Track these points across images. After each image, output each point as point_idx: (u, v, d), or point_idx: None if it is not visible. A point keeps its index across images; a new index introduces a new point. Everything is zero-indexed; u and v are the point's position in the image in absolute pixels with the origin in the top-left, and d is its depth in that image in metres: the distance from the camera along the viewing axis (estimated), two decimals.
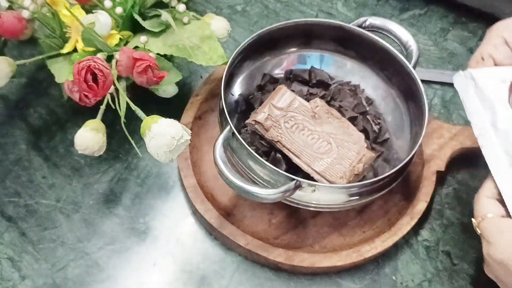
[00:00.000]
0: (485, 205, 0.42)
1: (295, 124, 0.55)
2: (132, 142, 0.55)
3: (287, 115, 0.55)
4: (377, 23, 0.61)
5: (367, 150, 0.55)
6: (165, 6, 0.63)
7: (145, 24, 0.60)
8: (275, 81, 0.63)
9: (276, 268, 0.56)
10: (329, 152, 0.54)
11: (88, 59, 0.53)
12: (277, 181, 0.50)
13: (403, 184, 0.60)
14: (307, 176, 0.53)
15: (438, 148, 0.62)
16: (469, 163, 0.65)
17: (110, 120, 0.60)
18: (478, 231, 0.41)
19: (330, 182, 0.52)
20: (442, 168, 0.61)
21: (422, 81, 0.57)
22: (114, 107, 0.56)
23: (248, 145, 0.52)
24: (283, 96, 0.56)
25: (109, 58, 0.57)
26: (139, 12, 0.62)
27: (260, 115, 0.55)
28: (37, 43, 0.62)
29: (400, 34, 0.60)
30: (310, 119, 0.55)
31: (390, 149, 0.60)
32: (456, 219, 0.61)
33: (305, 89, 0.61)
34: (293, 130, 0.54)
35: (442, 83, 0.72)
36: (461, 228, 0.60)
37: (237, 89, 0.63)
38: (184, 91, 0.67)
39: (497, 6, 0.75)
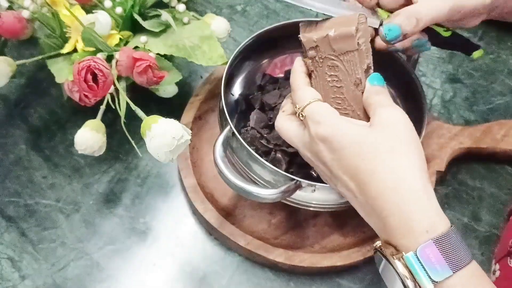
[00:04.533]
0: (306, 93, 0.46)
1: (335, 80, 0.46)
2: (132, 142, 0.55)
3: (334, 61, 0.46)
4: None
5: None
6: (165, 6, 0.63)
7: (145, 24, 0.60)
8: (275, 81, 0.63)
9: (276, 268, 0.56)
10: None
11: (88, 59, 0.53)
12: (277, 181, 0.50)
13: None
14: (307, 176, 0.53)
15: (438, 148, 0.62)
16: (469, 163, 0.65)
17: (110, 120, 0.60)
18: (303, 115, 0.45)
19: None
20: (442, 168, 0.61)
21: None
22: (114, 107, 0.56)
23: (248, 145, 0.52)
24: (346, 40, 0.45)
25: (109, 58, 0.57)
26: (139, 12, 0.62)
27: (311, 35, 0.46)
28: (37, 43, 0.62)
29: None
30: (351, 84, 0.46)
31: None
32: (456, 219, 0.61)
33: None
34: (329, 84, 0.46)
35: (443, 83, 0.72)
36: (461, 228, 0.60)
37: (237, 89, 0.63)
38: (184, 91, 0.67)
39: None
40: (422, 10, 0.45)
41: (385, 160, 0.41)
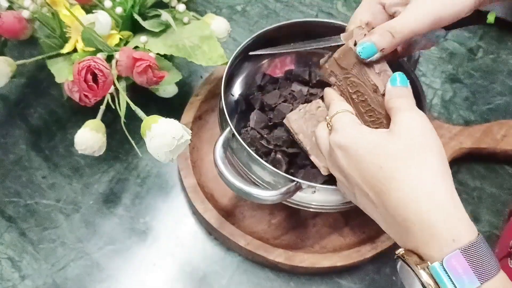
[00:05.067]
0: (337, 105, 0.47)
1: (359, 95, 0.47)
2: (132, 142, 0.55)
3: (349, 78, 0.47)
4: None
5: None
6: (165, 6, 0.63)
7: (145, 24, 0.60)
8: (275, 81, 0.63)
9: (276, 268, 0.56)
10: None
11: (88, 59, 0.53)
12: (277, 182, 0.50)
13: None
14: (307, 177, 0.53)
15: None
16: (469, 163, 0.65)
17: (110, 120, 0.60)
18: (330, 124, 0.46)
19: None
20: None
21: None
22: (114, 107, 0.56)
23: (248, 146, 0.52)
24: (347, 55, 0.47)
25: (109, 58, 0.57)
26: (139, 12, 0.62)
27: (325, 64, 0.49)
28: (37, 43, 0.62)
29: None
30: (371, 93, 0.47)
31: None
32: None
33: (305, 89, 0.61)
34: (356, 101, 0.48)
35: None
36: None
37: (237, 89, 0.63)
38: (184, 91, 0.67)
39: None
40: (398, 24, 0.45)
41: (404, 168, 0.40)
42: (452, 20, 0.46)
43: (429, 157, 0.40)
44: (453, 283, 0.36)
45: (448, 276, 0.36)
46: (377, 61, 0.46)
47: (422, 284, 0.37)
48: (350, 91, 0.48)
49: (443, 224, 0.38)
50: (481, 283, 0.36)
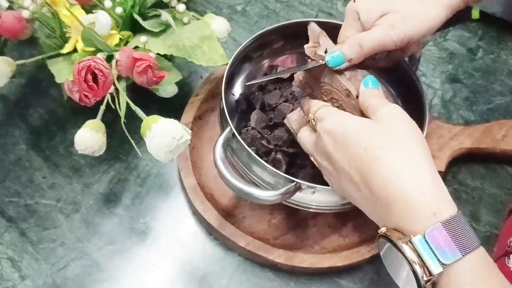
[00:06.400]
0: (317, 103, 0.48)
1: (334, 101, 0.49)
2: (132, 142, 0.55)
3: (323, 87, 0.50)
4: None
5: None
6: (165, 6, 0.63)
7: (145, 24, 0.60)
8: (275, 81, 0.63)
9: (276, 268, 0.56)
10: None
11: (88, 59, 0.53)
12: (277, 183, 0.50)
13: None
14: (308, 177, 0.53)
15: (438, 148, 0.62)
16: (469, 163, 0.65)
17: (110, 120, 0.60)
18: (313, 120, 0.47)
19: None
20: (442, 169, 0.61)
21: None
22: (114, 107, 0.56)
23: (248, 146, 0.52)
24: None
25: (109, 58, 0.57)
26: (139, 12, 0.62)
27: (298, 76, 0.52)
28: (37, 43, 0.62)
29: None
30: (345, 97, 0.48)
31: None
32: None
33: None
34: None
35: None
36: None
37: (238, 89, 0.63)
38: (184, 91, 0.67)
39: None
40: (367, 38, 0.47)
41: (388, 149, 0.41)
42: (424, 36, 0.48)
43: (412, 143, 0.41)
44: (435, 256, 0.37)
45: (431, 248, 0.37)
46: (347, 68, 0.48)
47: (407, 261, 0.38)
48: (325, 99, 0.50)
49: (425, 199, 0.39)
50: (463, 255, 0.37)
